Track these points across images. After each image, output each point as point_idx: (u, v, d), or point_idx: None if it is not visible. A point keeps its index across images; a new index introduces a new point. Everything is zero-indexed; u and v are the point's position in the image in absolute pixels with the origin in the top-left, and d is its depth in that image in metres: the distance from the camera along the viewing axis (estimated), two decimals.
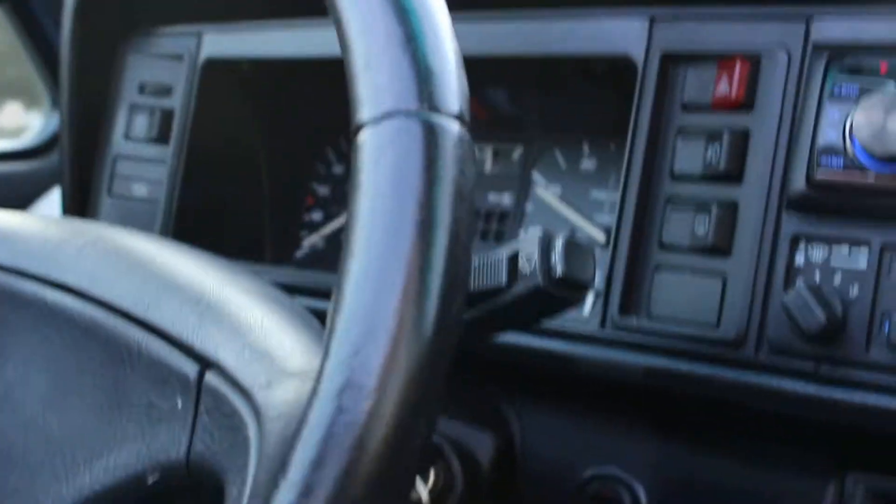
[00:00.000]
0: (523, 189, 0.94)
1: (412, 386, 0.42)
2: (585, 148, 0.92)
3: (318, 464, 0.41)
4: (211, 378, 0.53)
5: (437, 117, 0.45)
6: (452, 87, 0.46)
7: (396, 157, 0.44)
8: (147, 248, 0.63)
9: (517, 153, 0.96)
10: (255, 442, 0.48)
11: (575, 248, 0.63)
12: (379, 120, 0.45)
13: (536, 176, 0.94)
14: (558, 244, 0.62)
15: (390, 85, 0.45)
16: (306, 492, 0.41)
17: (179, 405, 0.54)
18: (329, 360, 0.43)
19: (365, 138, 0.45)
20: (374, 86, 0.45)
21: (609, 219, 0.89)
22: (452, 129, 0.45)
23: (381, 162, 0.44)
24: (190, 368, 0.54)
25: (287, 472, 0.42)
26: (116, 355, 0.58)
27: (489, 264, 0.63)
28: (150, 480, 0.55)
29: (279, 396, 0.49)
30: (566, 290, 0.63)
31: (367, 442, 0.41)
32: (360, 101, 0.46)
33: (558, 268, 0.62)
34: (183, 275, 0.59)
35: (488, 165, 0.96)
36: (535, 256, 0.63)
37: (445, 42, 0.47)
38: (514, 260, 0.63)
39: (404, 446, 0.43)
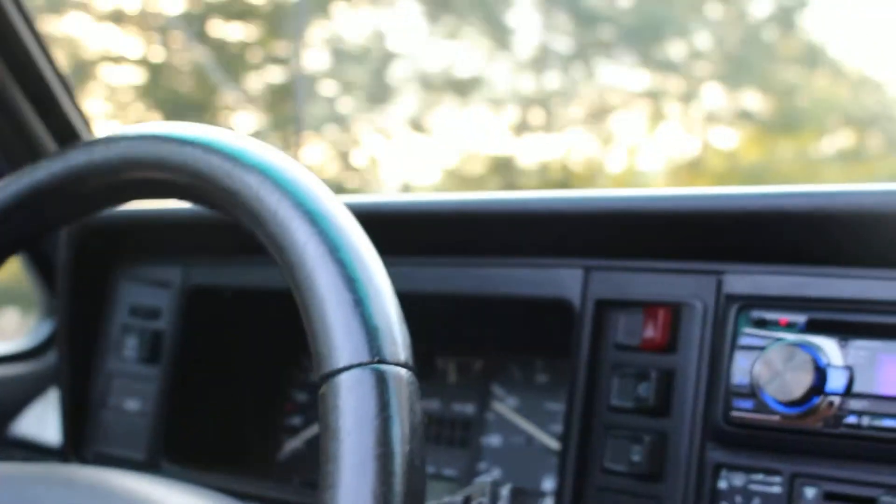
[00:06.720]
0: (484, 400, 1.04)
1: None
2: (539, 363, 1.01)
3: None
4: None
5: (386, 367, 0.54)
6: (397, 340, 0.56)
7: (355, 404, 0.53)
8: (147, 491, 0.71)
9: (478, 365, 1.05)
10: None
11: (520, 494, 0.73)
12: (338, 373, 0.54)
13: (495, 388, 1.03)
14: (505, 491, 0.72)
15: (345, 343, 0.55)
16: None
17: None
18: None
19: (327, 389, 0.54)
20: (332, 344, 0.55)
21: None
22: (400, 374, 0.55)
23: (342, 408, 0.53)
24: None
25: None
26: None
27: None
28: None
29: None
30: None
31: None
32: (321, 357, 0.55)
33: None
34: None
35: (453, 377, 1.06)
36: (486, 502, 0.73)
37: (388, 303, 0.57)
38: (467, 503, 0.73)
39: None
